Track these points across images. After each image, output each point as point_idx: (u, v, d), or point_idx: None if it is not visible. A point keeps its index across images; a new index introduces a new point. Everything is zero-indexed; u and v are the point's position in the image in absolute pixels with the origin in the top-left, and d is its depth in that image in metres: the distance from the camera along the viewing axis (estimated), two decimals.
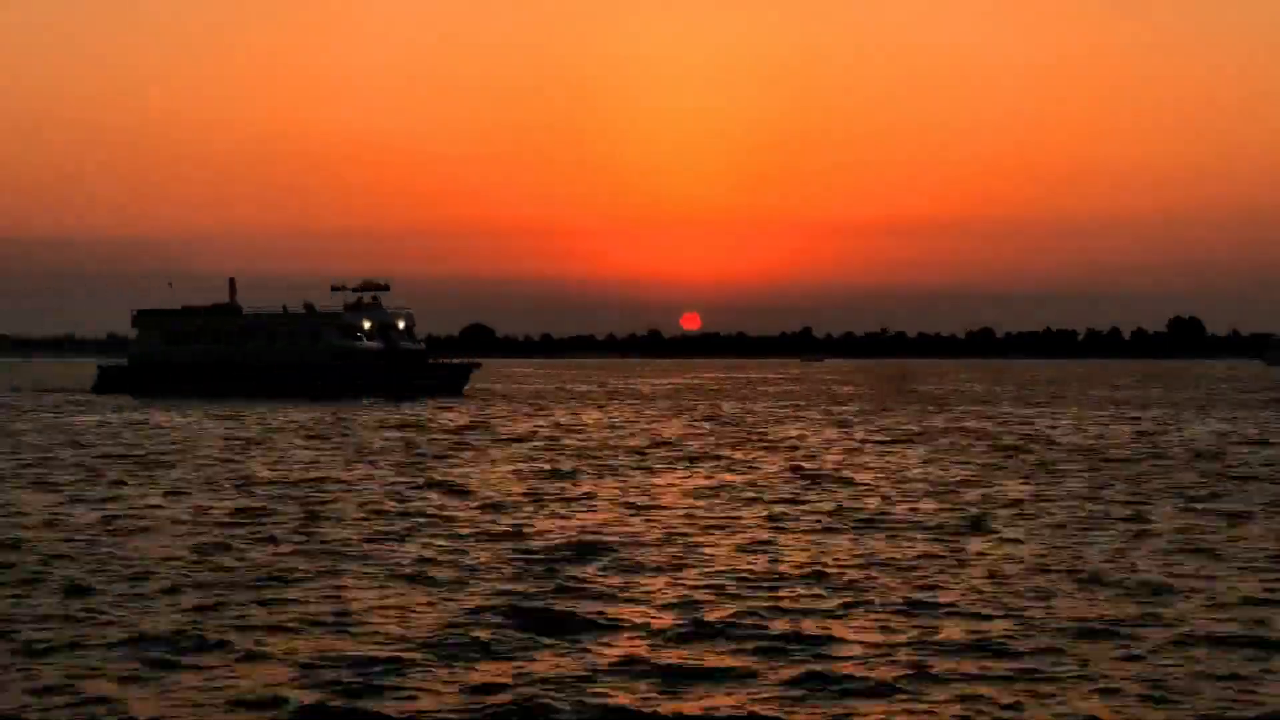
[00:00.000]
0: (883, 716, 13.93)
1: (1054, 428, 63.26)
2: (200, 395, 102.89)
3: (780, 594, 20.14)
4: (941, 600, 19.51)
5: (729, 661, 16.11)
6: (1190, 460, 44.66)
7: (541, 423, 69.17)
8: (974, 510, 30.32)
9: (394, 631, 17.54)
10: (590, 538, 26.16)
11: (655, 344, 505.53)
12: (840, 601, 19.48)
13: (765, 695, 14.66)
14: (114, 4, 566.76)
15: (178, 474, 40.07)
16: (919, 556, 23.66)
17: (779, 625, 17.99)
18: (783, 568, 22.58)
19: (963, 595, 19.92)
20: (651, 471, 40.67)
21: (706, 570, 22.40)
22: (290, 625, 18.05)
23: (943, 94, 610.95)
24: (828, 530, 27.35)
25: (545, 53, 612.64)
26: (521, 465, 42.76)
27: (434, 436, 57.59)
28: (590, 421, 71.38)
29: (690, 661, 16.13)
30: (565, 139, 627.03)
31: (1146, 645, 17.06)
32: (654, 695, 14.58)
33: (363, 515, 29.94)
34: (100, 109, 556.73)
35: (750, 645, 16.86)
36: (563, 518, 29.46)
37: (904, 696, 14.63)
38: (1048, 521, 28.65)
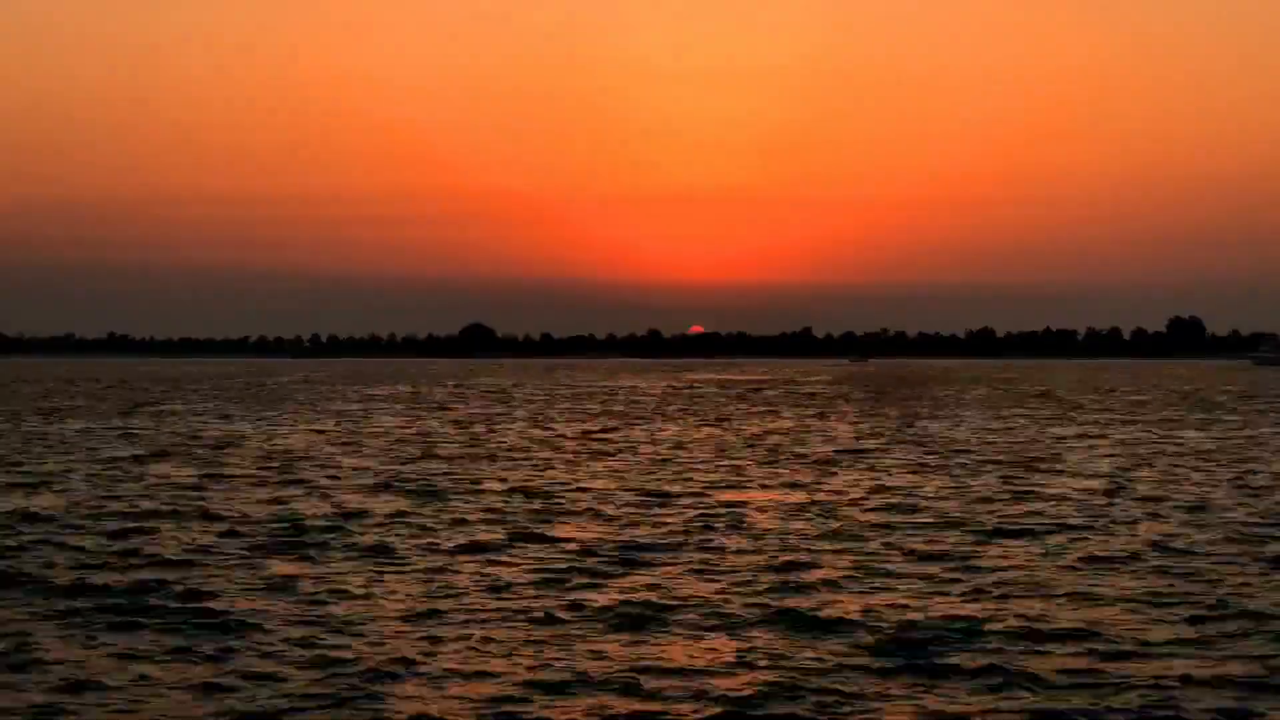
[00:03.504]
0: None
1: None
2: None
3: None
4: None
5: None
6: None
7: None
8: None
9: None
10: None
11: (655, 344, 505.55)
12: None
13: None
14: None
15: None
16: None
17: None
18: None
19: None
20: None
21: None
22: None
23: (942, 98, 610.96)
24: None
25: (556, 57, 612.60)
26: None
27: None
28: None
29: None
30: (570, 139, 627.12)
31: None
32: None
33: None
34: None
35: None
36: None
37: None
38: None
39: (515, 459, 44.13)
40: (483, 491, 33.85)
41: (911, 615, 18.10)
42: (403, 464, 42.01)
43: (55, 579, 20.96)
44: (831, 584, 20.65)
